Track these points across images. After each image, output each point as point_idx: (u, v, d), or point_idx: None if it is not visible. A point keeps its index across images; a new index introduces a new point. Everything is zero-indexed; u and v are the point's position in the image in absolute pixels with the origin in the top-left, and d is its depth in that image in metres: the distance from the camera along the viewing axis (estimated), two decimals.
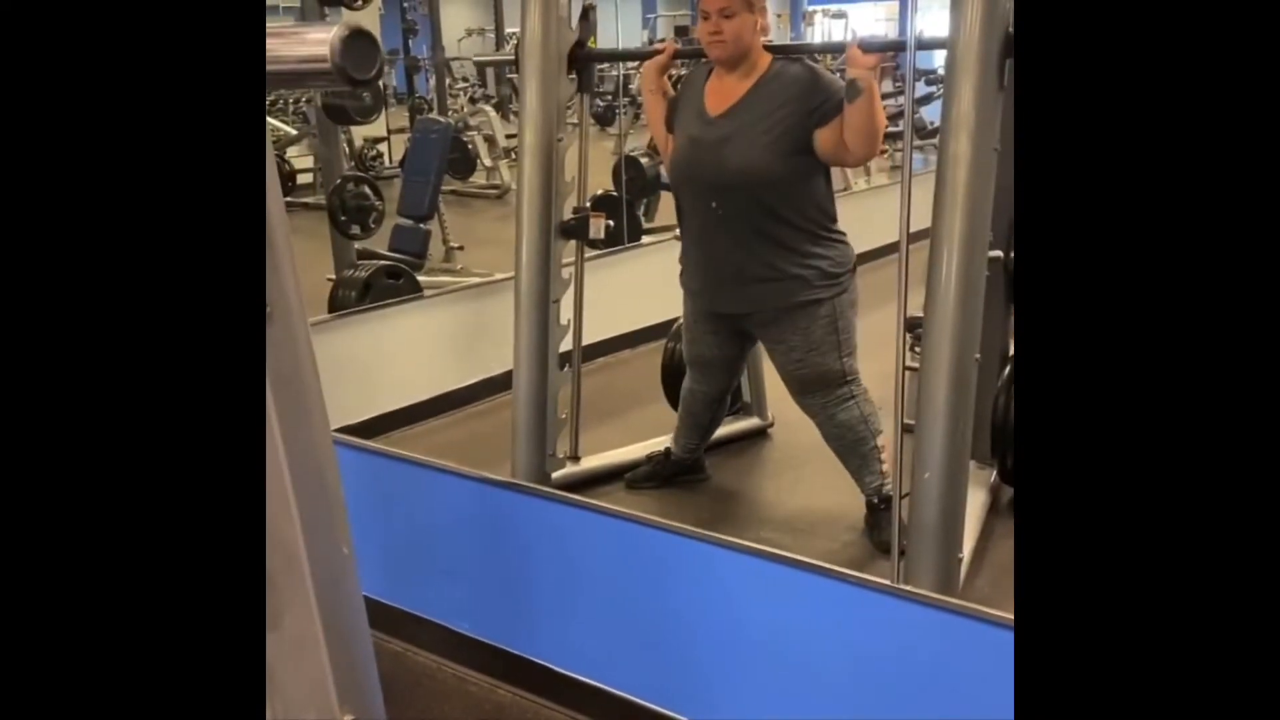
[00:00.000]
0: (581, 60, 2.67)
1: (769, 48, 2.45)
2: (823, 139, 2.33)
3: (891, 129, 9.33)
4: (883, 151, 9.50)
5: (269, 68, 0.75)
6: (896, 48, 2.18)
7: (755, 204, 2.39)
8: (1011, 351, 2.68)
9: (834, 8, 16.19)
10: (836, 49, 2.48)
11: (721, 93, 2.45)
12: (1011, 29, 1.97)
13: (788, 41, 18.53)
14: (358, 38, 0.71)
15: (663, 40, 15.02)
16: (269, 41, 0.75)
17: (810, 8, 17.24)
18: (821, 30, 16.08)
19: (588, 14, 2.67)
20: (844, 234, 2.51)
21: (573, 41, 2.63)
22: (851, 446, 2.55)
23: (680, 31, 16.33)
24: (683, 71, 3.60)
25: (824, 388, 2.50)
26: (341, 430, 2.79)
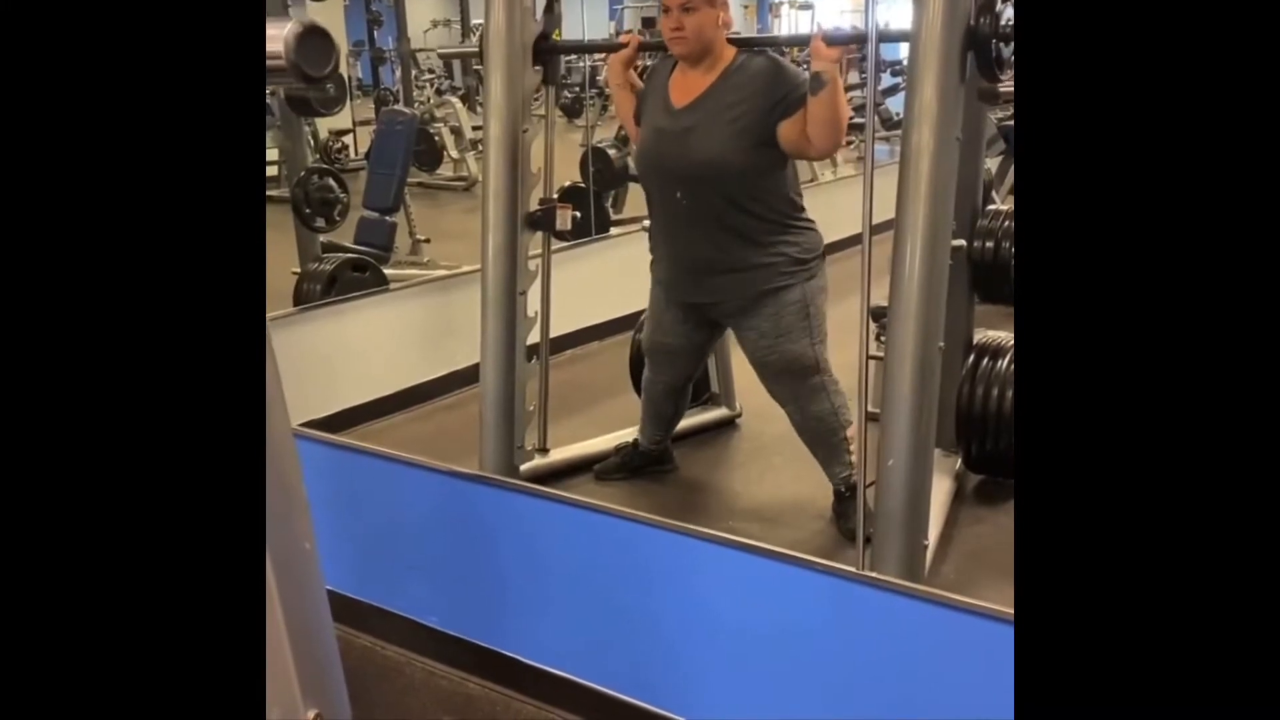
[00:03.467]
0: (546, 52, 2.66)
1: (733, 41, 2.45)
2: (785, 131, 2.34)
3: (856, 120, 9.39)
4: (848, 143, 9.55)
5: None
6: (860, 40, 2.19)
7: (721, 195, 2.39)
8: (975, 339, 2.71)
9: None
10: (801, 41, 2.47)
11: (686, 86, 2.45)
12: (973, 21, 1.98)
13: (755, 33, 18.58)
14: (311, 34, 0.70)
15: (629, 32, 14.99)
16: None
17: (777, 0, 17.26)
18: (788, 22, 16.11)
19: (552, 6, 2.65)
20: (812, 221, 2.52)
21: (537, 33, 2.62)
22: (821, 437, 2.56)
23: (647, 23, 16.27)
24: (650, 63, 3.60)
25: (795, 375, 2.50)
26: (306, 425, 2.77)
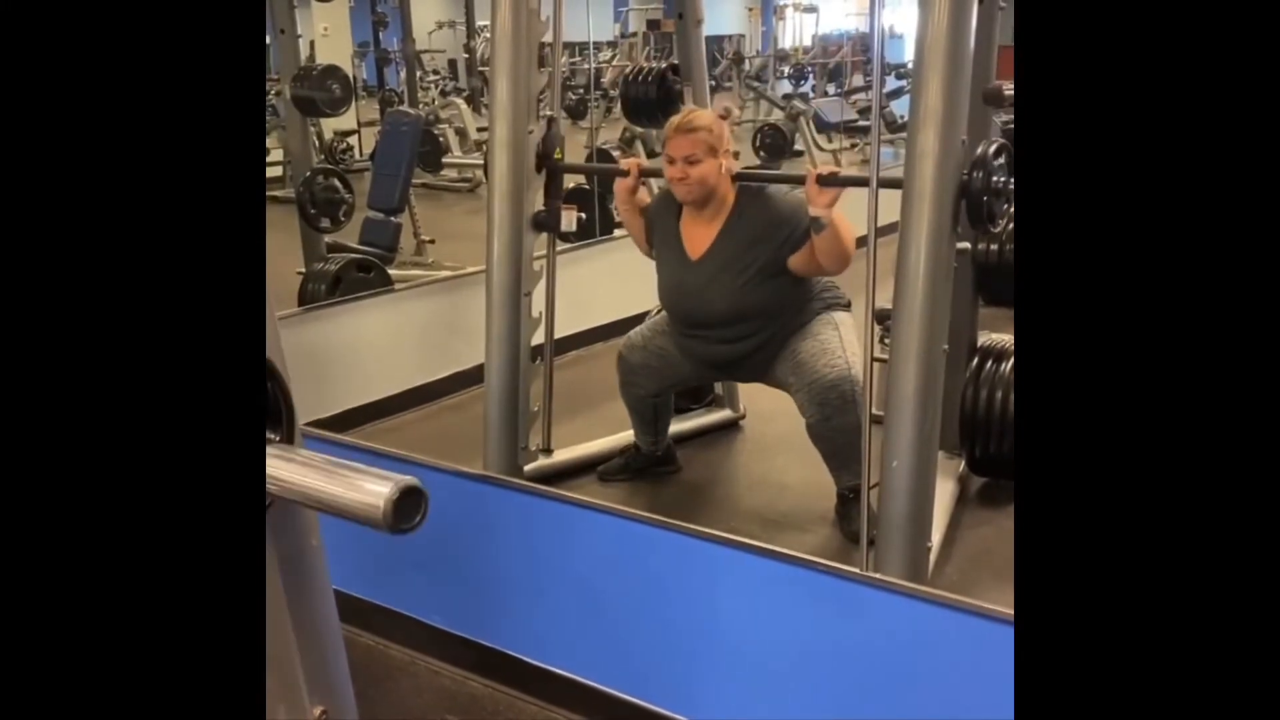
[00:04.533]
0: (550, 172, 2.71)
1: (735, 177, 2.54)
2: (796, 262, 2.48)
3: (861, 123, 9.39)
4: (853, 145, 9.55)
5: (317, 497, 0.78)
6: (856, 183, 2.25)
7: (748, 322, 2.55)
8: (978, 342, 2.71)
9: (805, 2, 16.22)
10: (797, 180, 2.57)
11: (696, 234, 2.58)
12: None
13: (759, 34, 18.52)
14: (409, 496, 0.74)
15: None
16: (324, 480, 0.78)
17: (781, 2, 17.27)
18: (792, 25, 16.11)
19: (551, 124, 2.68)
20: (833, 282, 2.62)
21: (541, 144, 2.65)
22: (840, 449, 2.54)
23: (652, 25, 16.29)
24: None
25: (827, 382, 2.45)
26: (312, 424, 2.78)
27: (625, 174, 2.69)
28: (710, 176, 2.47)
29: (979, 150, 2.03)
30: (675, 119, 2.53)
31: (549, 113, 2.72)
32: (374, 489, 0.75)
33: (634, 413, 2.85)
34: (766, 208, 2.52)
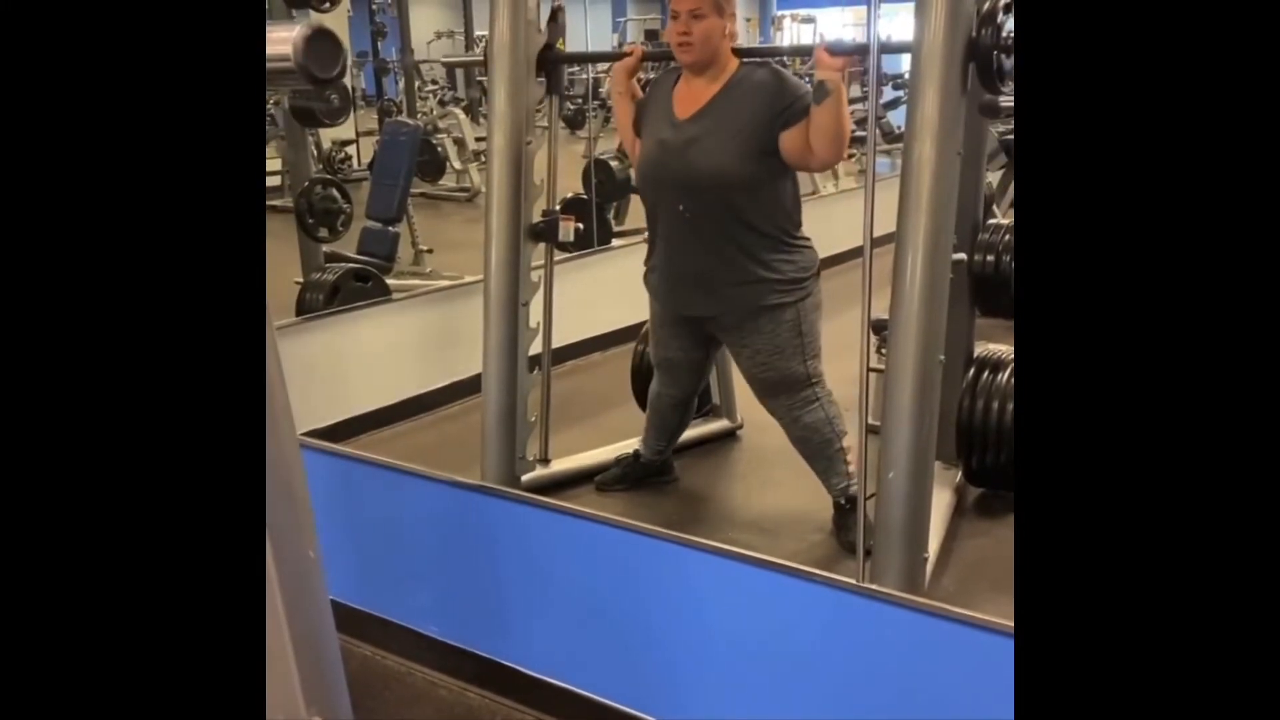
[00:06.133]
0: (551, 63, 2.67)
1: (737, 51, 2.47)
2: (788, 141, 2.35)
3: (858, 133, 9.41)
4: (850, 156, 9.57)
5: None
6: (864, 51, 2.21)
7: (722, 207, 2.41)
8: (975, 353, 2.72)
9: (802, 12, 16.29)
10: (804, 52, 2.50)
11: (689, 96, 2.46)
12: (974, 34, 2.00)
13: (756, 45, 18.61)
14: (320, 37, 0.71)
15: (633, 43, 15.05)
16: None
17: (779, 12, 17.33)
18: (790, 34, 16.17)
19: (556, 15, 2.66)
20: (808, 240, 2.53)
21: (542, 44, 2.63)
22: (818, 449, 2.57)
23: (650, 35, 16.35)
24: (652, 75, 3.62)
25: (788, 390, 2.52)
26: (310, 434, 2.78)
27: (628, 57, 2.65)
28: (714, 36, 2.38)
29: (986, 6, 1.98)
30: None
31: (556, 3, 2.69)
32: (282, 35, 0.72)
33: (658, 417, 2.85)
34: (770, 76, 2.42)
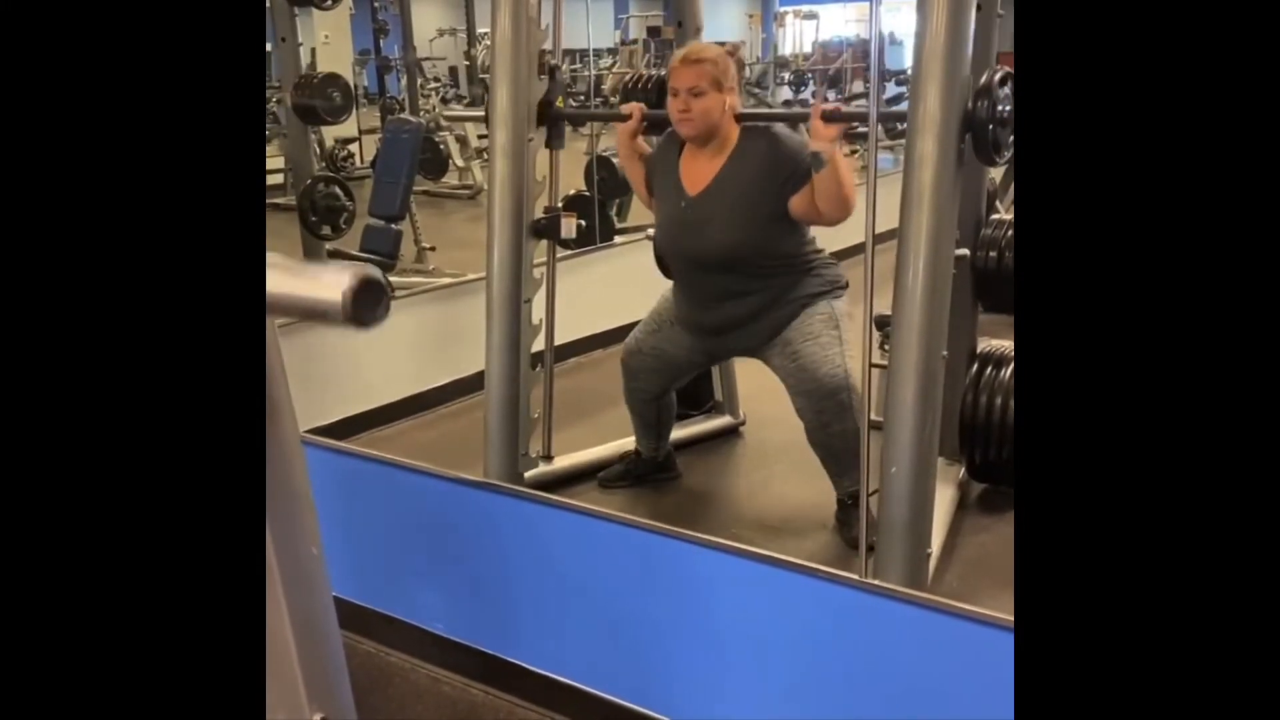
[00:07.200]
0: (551, 119, 2.70)
1: (737, 117, 2.50)
2: (795, 205, 2.42)
3: (860, 129, 9.39)
4: (853, 152, 9.56)
5: (279, 298, 0.76)
6: (858, 118, 2.25)
7: (743, 270, 2.49)
8: (978, 348, 2.71)
9: (805, 9, 16.26)
10: (801, 118, 2.53)
11: (696, 171, 2.52)
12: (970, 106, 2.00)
13: (760, 41, 18.57)
14: (367, 288, 0.73)
15: (632, 40, 15.02)
16: (279, 275, 0.75)
17: (782, 9, 17.31)
18: (793, 31, 16.15)
19: (554, 73, 2.68)
20: (831, 259, 2.60)
21: (542, 96, 2.64)
22: (838, 454, 2.54)
23: (653, 32, 16.30)
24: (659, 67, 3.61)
25: (825, 389, 2.44)
26: (313, 431, 2.78)
27: (628, 120, 2.67)
28: (714, 111, 2.42)
29: (983, 79, 2.00)
30: (681, 51, 2.49)
31: (553, 62, 2.71)
32: (332, 280, 0.73)
33: (637, 416, 2.85)
34: (769, 146, 2.47)
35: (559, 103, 2.68)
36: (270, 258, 0.77)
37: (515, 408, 2.67)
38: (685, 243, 2.54)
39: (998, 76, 2.01)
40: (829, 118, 2.29)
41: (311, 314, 0.74)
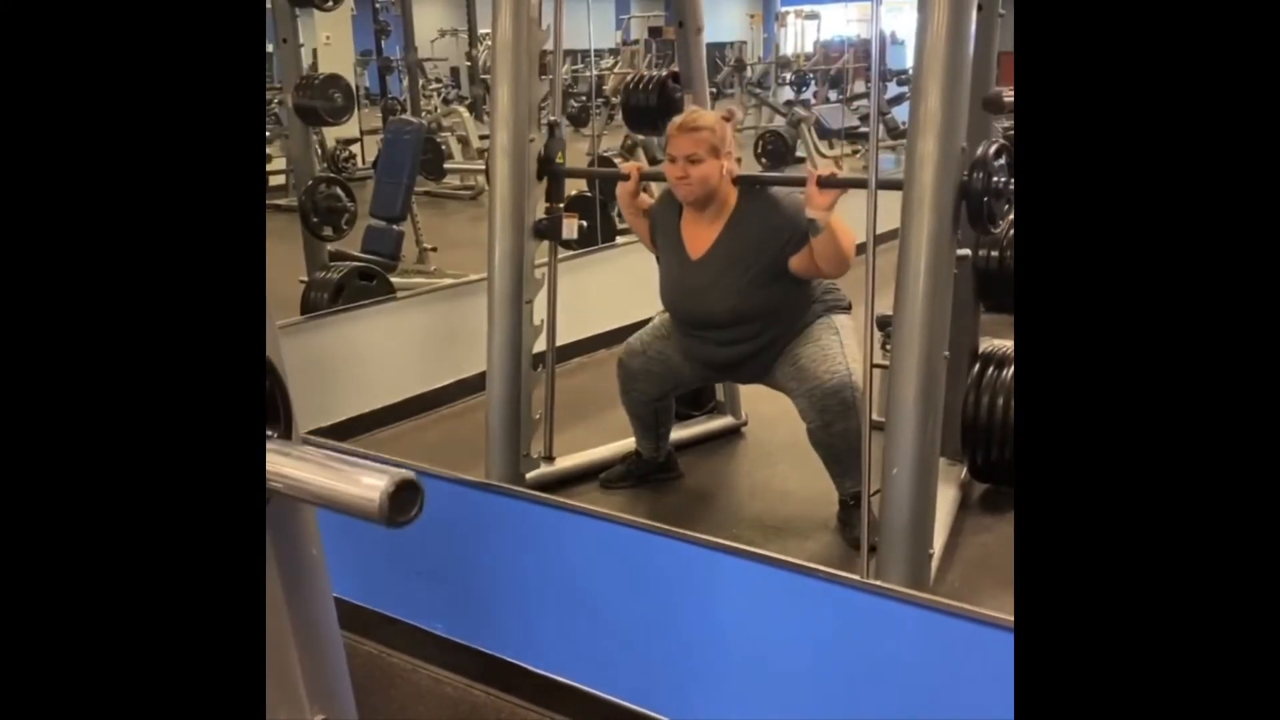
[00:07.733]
0: (552, 176, 2.71)
1: (736, 180, 2.53)
2: (795, 263, 2.47)
3: (861, 129, 9.41)
4: (854, 152, 9.57)
5: (317, 492, 0.79)
6: (855, 185, 2.26)
7: (749, 325, 2.54)
8: (980, 348, 2.71)
9: (806, 9, 16.26)
10: (797, 183, 2.55)
11: (697, 234, 2.58)
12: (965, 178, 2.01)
13: (761, 40, 18.57)
14: (404, 491, 0.76)
15: (633, 41, 15.03)
16: (318, 470, 0.78)
17: (783, 9, 17.31)
18: (794, 30, 16.14)
19: (554, 129, 2.70)
20: (835, 284, 2.62)
21: (543, 150, 2.66)
22: (840, 455, 2.53)
23: (654, 32, 16.31)
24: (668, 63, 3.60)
25: (827, 388, 2.45)
26: (314, 432, 2.78)
27: (626, 178, 2.70)
28: (712, 177, 2.47)
29: (979, 151, 2.03)
30: (678, 118, 2.53)
31: (551, 118, 2.73)
32: (370, 482, 0.75)
33: (635, 418, 2.85)
34: (768, 209, 2.52)
35: (559, 158, 2.71)
36: (310, 452, 0.80)
37: (517, 408, 2.67)
38: (689, 305, 2.61)
39: (993, 149, 2.04)
40: (825, 183, 2.32)
41: (347, 510, 0.77)
